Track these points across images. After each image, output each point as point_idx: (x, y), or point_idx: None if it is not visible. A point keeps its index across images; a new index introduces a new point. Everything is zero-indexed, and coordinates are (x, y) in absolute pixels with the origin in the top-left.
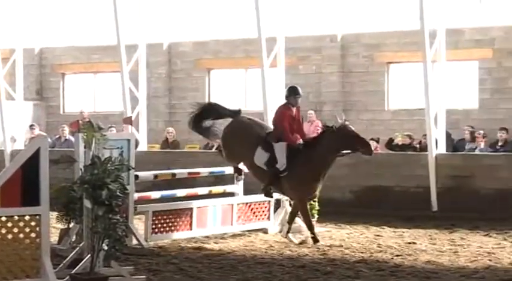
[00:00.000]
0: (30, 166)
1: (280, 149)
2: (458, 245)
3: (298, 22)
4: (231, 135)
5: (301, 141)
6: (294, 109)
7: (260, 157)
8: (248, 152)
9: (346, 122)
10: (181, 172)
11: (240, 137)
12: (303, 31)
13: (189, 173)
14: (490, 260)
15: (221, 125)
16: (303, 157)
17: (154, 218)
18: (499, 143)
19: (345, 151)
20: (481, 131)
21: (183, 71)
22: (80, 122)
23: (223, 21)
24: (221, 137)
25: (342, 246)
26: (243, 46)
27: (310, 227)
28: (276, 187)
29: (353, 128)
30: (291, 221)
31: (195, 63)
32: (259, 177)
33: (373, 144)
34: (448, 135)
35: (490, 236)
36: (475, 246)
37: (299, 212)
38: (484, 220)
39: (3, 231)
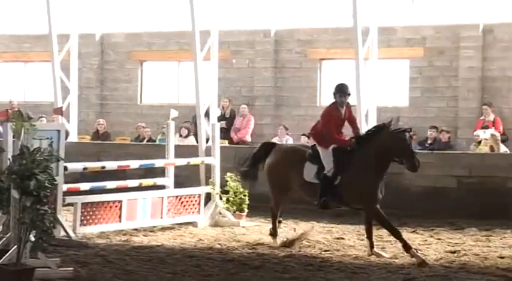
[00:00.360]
0: None
1: (326, 155)
2: (386, 241)
3: (232, 16)
4: (276, 162)
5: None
6: (343, 109)
7: (309, 171)
8: (296, 171)
9: (408, 130)
10: (111, 164)
11: (285, 160)
12: (237, 25)
13: (119, 166)
14: None
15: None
16: (356, 156)
17: (83, 210)
18: (428, 141)
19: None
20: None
21: (115, 62)
22: (9, 111)
23: (157, 14)
24: (266, 170)
25: (271, 241)
26: (177, 39)
27: (397, 235)
28: (334, 199)
29: (407, 137)
30: (370, 235)
31: (128, 54)
32: (312, 194)
33: (304, 139)
34: None
35: (417, 233)
36: None
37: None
38: (411, 217)
39: None
